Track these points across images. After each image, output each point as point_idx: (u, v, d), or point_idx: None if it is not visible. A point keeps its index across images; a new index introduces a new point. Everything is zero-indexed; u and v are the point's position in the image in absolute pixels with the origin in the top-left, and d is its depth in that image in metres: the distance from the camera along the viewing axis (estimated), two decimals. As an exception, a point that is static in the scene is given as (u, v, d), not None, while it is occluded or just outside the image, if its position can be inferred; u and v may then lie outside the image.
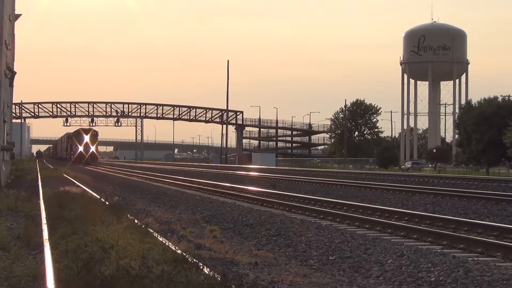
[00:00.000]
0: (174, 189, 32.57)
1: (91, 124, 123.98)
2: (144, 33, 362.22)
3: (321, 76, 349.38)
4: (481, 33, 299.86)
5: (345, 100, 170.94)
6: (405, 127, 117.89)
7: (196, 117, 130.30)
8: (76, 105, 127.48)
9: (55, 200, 20.51)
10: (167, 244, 11.83)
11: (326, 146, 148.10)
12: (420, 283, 10.07)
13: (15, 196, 23.07)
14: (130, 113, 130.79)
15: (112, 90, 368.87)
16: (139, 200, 26.60)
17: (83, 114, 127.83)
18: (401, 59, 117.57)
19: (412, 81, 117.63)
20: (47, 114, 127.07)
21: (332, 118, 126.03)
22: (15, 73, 42.86)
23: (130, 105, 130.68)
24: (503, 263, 10.97)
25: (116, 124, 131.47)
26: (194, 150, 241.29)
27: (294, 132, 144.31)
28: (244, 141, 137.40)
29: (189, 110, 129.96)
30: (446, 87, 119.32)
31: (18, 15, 46.83)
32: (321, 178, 40.79)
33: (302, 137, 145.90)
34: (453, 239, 12.95)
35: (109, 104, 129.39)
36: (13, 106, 76.49)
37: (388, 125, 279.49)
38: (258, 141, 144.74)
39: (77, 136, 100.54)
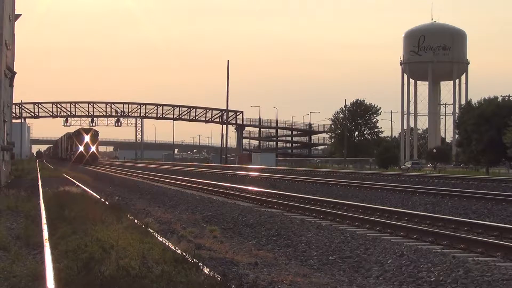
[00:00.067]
0: (174, 189, 32.58)
1: (91, 124, 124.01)
2: (144, 33, 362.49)
3: (321, 76, 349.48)
4: (481, 33, 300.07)
5: (345, 100, 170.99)
6: (405, 127, 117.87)
7: (196, 117, 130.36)
8: (76, 105, 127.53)
9: (55, 200, 20.51)
10: (167, 244, 11.83)
11: (326, 146, 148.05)
12: (420, 283, 10.07)
13: (15, 196, 23.10)
14: (130, 113, 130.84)
15: (112, 90, 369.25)
16: (139, 200, 26.60)
17: (83, 114, 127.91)
18: (401, 59, 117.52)
19: (412, 81, 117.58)
20: (47, 114, 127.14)
21: (332, 118, 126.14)
22: (15, 73, 42.88)
23: (130, 105, 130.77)
24: (503, 263, 10.97)
25: (116, 124, 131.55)
26: (194, 150, 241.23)
27: (294, 132, 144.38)
28: (244, 141, 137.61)
29: (189, 110, 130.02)
30: (446, 87, 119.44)
31: (18, 15, 46.85)
32: (321, 178, 40.80)
33: (302, 137, 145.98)
34: (453, 239, 12.95)
35: (109, 104, 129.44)
36: (13, 106, 76.47)
37: (388, 125, 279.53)
38: (258, 141, 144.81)
39: (77, 136, 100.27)
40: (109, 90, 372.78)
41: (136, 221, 15.46)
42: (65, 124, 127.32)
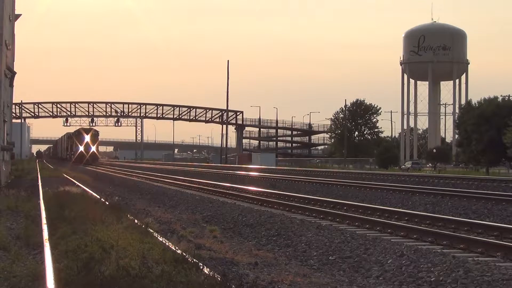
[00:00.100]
0: (174, 189, 32.59)
1: (91, 124, 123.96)
2: (144, 33, 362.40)
3: (321, 76, 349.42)
4: (481, 33, 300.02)
5: (345, 100, 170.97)
6: (405, 127, 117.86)
7: (196, 117, 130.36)
8: (76, 105, 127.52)
9: (55, 200, 20.51)
10: (167, 244, 11.83)
11: (326, 146, 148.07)
12: (420, 283, 10.06)
13: (15, 196, 23.10)
14: (130, 113, 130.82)
15: (112, 90, 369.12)
16: (139, 200, 26.60)
17: (83, 114, 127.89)
18: (401, 59, 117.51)
19: (412, 81, 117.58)
20: (47, 114, 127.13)
21: (332, 118, 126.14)
22: (15, 73, 42.88)
23: (130, 105, 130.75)
24: (503, 263, 10.97)
25: (116, 124, 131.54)
26: (194, 150, 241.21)
27: (294, 132, 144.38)
28: (244, 141, 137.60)
29: (189, 110, 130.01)
30: (446, 87, 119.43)
31: (18, 15, 46.85)
32: (321, 178, 40.80)
33: (302, 137, 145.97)
34: (453, 239, 12.95)
35: (109, 104, 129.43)
36: (13, 106, 76.48)
37: (388, 125, 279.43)
38: (258, 141, 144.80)
39: (77, 135, 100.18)
40: (109, 90, 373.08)
41: (136, 221, 15.46)
42: (65, 124, 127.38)
